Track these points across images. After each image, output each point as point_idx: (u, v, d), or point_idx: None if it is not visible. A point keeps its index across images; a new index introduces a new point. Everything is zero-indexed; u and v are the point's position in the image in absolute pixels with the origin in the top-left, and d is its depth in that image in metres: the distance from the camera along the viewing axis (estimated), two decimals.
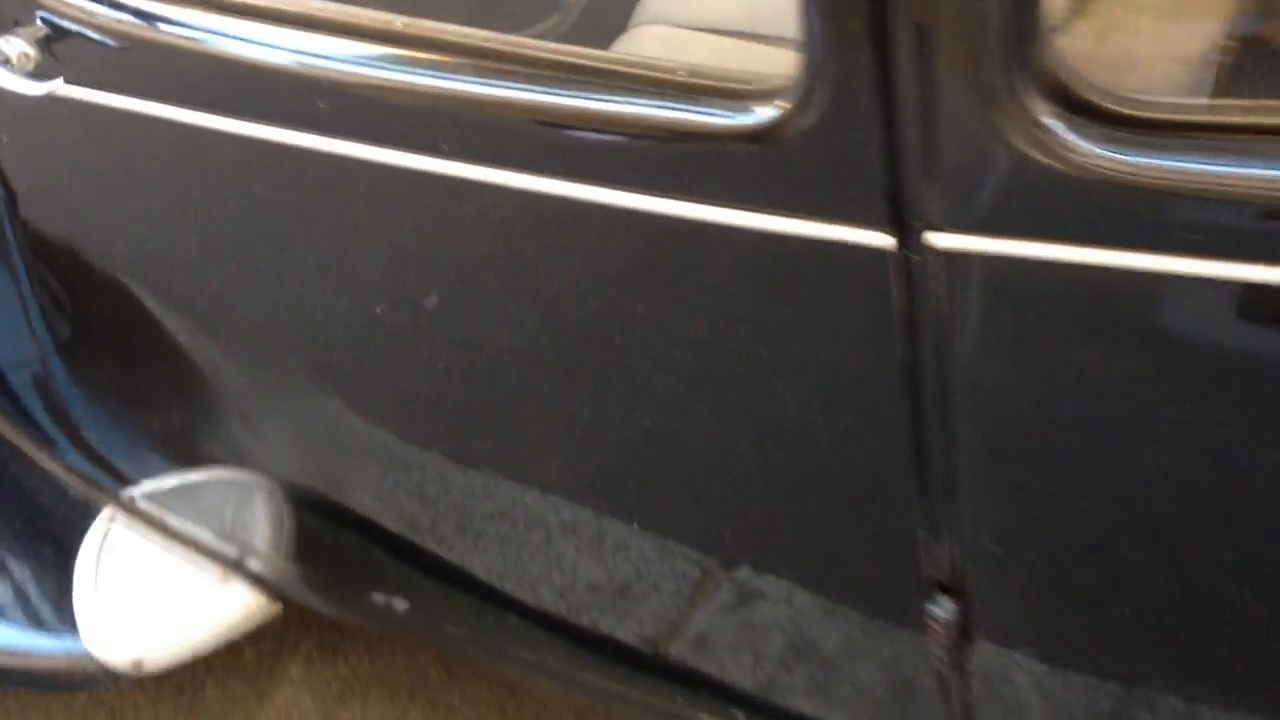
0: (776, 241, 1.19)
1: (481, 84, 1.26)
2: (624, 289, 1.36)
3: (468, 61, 1.27)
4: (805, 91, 1.08)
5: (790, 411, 1.32)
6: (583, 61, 1.23)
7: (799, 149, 1.12)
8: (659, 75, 1.19)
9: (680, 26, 2.17)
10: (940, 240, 1.11)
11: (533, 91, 1.23)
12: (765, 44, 2.07)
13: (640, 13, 2.19)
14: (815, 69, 1.07)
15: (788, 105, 1.10)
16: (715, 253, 1.25)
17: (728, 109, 1.15)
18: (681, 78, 1.18)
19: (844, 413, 1.30)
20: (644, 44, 2.12)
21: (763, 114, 1.12)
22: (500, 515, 1.71)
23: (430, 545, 1.85)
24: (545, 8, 2.11)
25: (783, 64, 1.72)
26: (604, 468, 1.56)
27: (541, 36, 2.01)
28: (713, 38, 2.12)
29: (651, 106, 1.19)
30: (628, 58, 1.24)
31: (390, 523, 1.87)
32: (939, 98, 1.04)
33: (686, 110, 1.17)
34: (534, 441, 1.59)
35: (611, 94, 1.21)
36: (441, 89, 1.28)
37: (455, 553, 1.83)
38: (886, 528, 1.36)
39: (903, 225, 1.12)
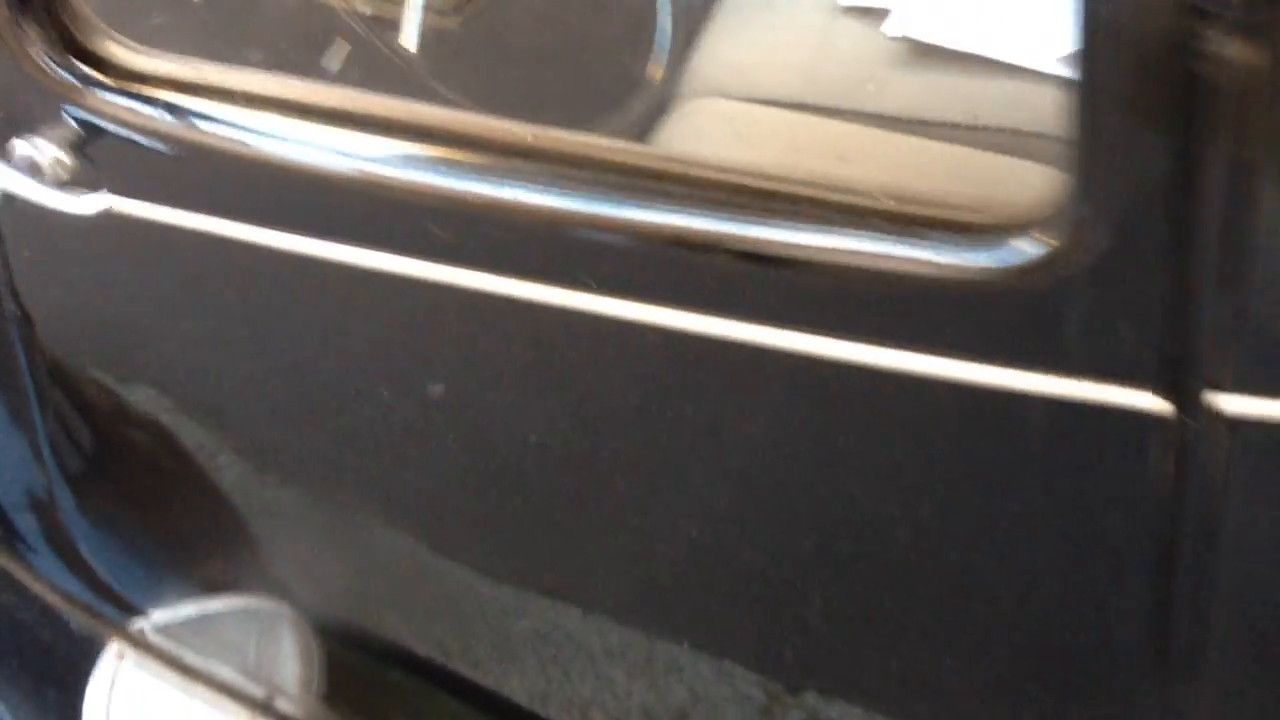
0: (1004, 396, 0.99)
1: (640, 208, 1.06)
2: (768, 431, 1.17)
3: (618, 182, 1.07)
4: (1079, 225, 0.89)
5: (994, 568, 1.13)
6: (763, 186, 1.03)
7: (1059, 292, 0.92)
8: (860, 202, 0.99)
9: (735, 99, 1.99)
10: (1230, 404, 0.92)
11: (708, 219, 1.03)
12: (837, 119, 1.89)
13: (689, 82, 2.01)
14: (1098, 197, 0.87)
15: (1050, 241, 0.91)
16: (913, 401, 1.06)
17: (955, 245, 0.96)
18: (892, 206, 0.98)
19: (1065, 582, 1.10)
20: (703, 123, 1.94)
21: (1013, 252, 0.93)
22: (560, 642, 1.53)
23: (476, 676, 1.67)
24: (623, 87, 1.92)
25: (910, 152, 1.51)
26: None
27: (626, 118, 1.83)
28: (782, 114, 1.94)
29: (854, 240, 0.99)
30: (815, 179, 1.03)
31: (428, 652, 1.71)
32: (1252, 240, 0.85)
33: (901, 246, 0.97)
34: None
35: (798, 226, 1.01)
36: (583, 213, 1.08)
37: (497, 681, 1.65)
38: (1105, 705, 1.17)
39: (1180, 385, 0.93)
